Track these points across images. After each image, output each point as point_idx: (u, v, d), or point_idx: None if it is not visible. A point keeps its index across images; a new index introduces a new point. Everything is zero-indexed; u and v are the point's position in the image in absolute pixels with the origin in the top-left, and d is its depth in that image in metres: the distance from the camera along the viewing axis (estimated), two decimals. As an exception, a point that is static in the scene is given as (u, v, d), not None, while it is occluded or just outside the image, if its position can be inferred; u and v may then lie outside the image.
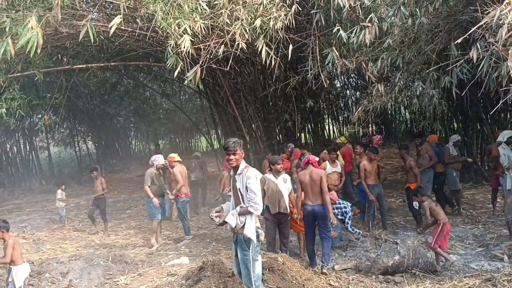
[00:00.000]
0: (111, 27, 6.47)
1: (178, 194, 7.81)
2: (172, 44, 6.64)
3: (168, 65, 7.02)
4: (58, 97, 11.04)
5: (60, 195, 10.04)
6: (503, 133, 7.31)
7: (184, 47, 6.43)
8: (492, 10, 4.09)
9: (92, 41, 6.72)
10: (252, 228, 3.95)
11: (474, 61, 4.56)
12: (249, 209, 3.95)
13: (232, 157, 4.02)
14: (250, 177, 3.95)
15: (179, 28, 6.56)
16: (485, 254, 6.18)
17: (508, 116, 10.95)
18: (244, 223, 3.97)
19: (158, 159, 7.94)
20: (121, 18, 6.60)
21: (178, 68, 6.77)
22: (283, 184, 6.20)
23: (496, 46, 4.12)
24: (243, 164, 4.08)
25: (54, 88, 11.92)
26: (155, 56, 11.49)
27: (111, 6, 8.48)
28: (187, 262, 6.66)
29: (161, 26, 6.74)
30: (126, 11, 7.14)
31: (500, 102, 5.03)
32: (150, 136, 27.42)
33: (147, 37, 7.80)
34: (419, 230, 6.43)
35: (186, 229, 8.06)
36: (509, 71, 4.04)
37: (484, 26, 4.23)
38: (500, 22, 3.99)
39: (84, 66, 10.63)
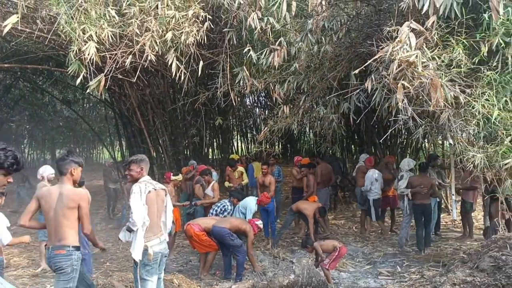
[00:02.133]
0: (5, 26, 5.94)
1: None
2: (75, 50, 6.26)
3: (70, 71, 6.61)
4: None
5: None
6: (408, 162, 7.97)
7: (88, 54, 6.10)
8: (385, 46, 4.47)
9: (-17, 39, 6.10)
10: (136, 245, 3.79)
11: (369, 91, 4.94)
12: (128, 225, 3.87)
13: (127, 172, 4.10)
14: (132, 192, 3.88)
15: (84, 34, 6.22)
16: (372, 272, 6.59)
17: (398, 142, 12.02)
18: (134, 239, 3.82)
19: (47, 170, 7.07)
20: (18, 17, 6.09)
21: (81, 76, 6.40)
22: None
23: (387, 79, 4.50)
24: (143, 179, 3.96)
25: None
26: (56, 60, 10.74)
27: (9, 3, 7.77)
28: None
29: (64, 30, 6.33)
30: (25, 10, 6.62)
31: (389, 130, 5.50)
32: (47, 144, 25.44)
33: (48, 40, 7.27)
34: (314, 263, 6.29)
35: None
36: (397, 103, 4.44)
37: (378, 59, 4.60)
38: (392, 57, 4.37)
39: (-28, 64, 9.57)
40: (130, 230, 3.87)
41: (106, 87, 7.05)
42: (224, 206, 7.09)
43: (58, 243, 3.62)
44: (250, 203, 7.23)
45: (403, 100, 4.42)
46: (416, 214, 7.31)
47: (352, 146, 13.91)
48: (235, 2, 6.69)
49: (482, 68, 4.81)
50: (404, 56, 4.30)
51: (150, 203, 3.88)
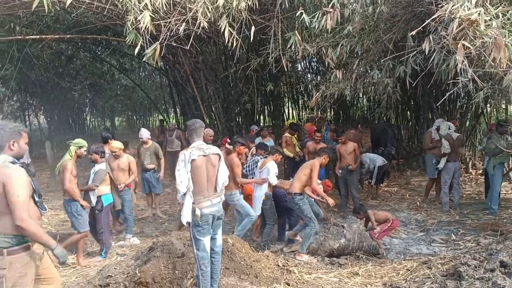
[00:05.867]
0: (67, -3, 6.20)
1: None
2: (131, 20, 6.44)
3: (128, 41, 6.84)
4: (9, 68, 10.48)
5: None
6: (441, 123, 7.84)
7: (143, 23, 6.26)
8: (445, 4, 4.25)
9: (46, 11, 6.40)
10: (184, 209, 3.94)
11: (426, 53, 4.74)
12: None
13: None
14: (179, 159, 4.00)
15: (139, 3, 6.37)
16: (425, 239, 6.51)
17: (457, 106, 11.47)
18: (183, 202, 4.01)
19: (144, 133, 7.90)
20: (78, -12, 6.34)
21: (138, 46, 6.61)
22: None
23: (447, 39, 4.29)
24: (192, 145, 4.10)
25: (4, 59, 11.33)
26: (114, 30, 11.12)
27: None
28: (137, 242, 6.60)
29: (120, 0, 6.52)
30: (84, -19, 6.86)
31: (447, 94, 5.28)
32: (106, 112, 26.66)
33: (106, 10, 7.52)
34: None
35: None
36: (457, 64, 4.24)
37: (437, 19, 4.39)
38: (452, 16, 4.15)
39: (38, 37, 10.14)
40: None
41: (161, 55, 7.23)
42: (254, 161, 6.91)
43: None
44: None
45: (463, 61, 4.22)
46: None
47: (408, 111, 13.44)
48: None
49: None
50: (465, 14, 4.07)
51: (196, 169, 3.98)
